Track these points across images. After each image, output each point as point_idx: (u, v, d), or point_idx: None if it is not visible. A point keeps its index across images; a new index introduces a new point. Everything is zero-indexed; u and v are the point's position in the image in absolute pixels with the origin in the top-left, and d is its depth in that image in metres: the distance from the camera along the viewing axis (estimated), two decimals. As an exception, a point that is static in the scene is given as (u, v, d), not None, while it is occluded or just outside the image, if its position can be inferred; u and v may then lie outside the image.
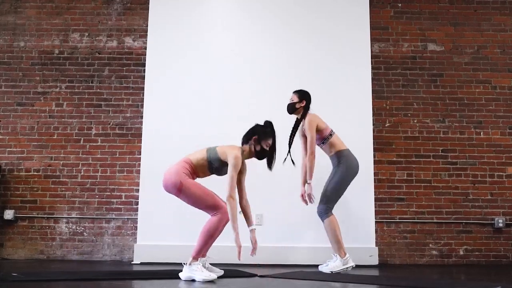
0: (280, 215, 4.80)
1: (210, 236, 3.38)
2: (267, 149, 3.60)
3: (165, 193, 4.80)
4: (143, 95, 5.12)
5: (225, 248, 4.34)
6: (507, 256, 5.00)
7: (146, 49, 5.17)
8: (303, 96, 4.18)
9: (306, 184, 4.08)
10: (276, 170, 4.86)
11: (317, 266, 4.13)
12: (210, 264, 3.59)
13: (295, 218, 4.74)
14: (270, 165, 3.70)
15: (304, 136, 4.16)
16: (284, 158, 4.10)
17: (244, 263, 4.54)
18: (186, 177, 3.46)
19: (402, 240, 5.02)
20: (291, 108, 4.19)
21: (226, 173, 3.52)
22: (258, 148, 3.58)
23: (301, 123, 4.18)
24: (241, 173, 3.62)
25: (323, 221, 3.99)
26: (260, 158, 3.64)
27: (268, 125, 3.64)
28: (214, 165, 3.54)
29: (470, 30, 5.39)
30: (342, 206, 4.22)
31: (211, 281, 3.29)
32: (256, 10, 5.21)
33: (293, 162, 4.11)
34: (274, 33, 5.14)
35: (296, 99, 4.17)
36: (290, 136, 4.18)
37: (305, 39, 5.14)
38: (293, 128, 4.21)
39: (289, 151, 4.14)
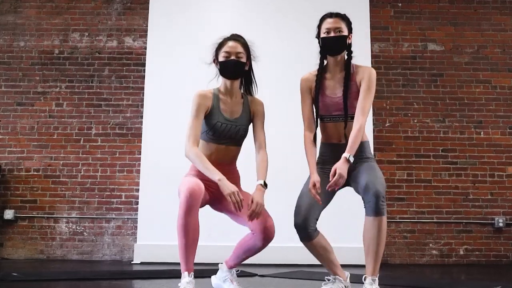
0: (280, 215, 4.78)
1: (179, 232, 2.51)
2: (225, 59, 2.63)
3: (165, 193, 4.83)
4: (143, 95, 5.12)
5: (225, 247, 4.35)
6: (507, 256, 5.00)
7: (146, 49, 5.17)
8: (351, 28, 2.74)
9: (341, 161, 2.54)
10: (276, 169, 4.88)
11: (316, 265, 4.10)
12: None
13: (295, 218, 4.74)
14: (249, 88, 2.75)
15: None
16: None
17: (244, 262, 4.55)
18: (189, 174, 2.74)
19: (402, 239, 5.01)
20: (345, 44, 2.65)
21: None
22: (218, 66, 2.69)
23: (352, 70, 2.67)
24: (254, 116, 2.77)
25: (383, 216, 2.53)
26: (225, 75, 2.67)
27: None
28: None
29: (470, 30, 5.38)
30: (342, 205, 4.20)
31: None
32: (256, 10, 5.20)
33: None
34: (274, 33, 5.13)
35: (345, 31, 2.70)
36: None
37: (305, 38, 5.09)
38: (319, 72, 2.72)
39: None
